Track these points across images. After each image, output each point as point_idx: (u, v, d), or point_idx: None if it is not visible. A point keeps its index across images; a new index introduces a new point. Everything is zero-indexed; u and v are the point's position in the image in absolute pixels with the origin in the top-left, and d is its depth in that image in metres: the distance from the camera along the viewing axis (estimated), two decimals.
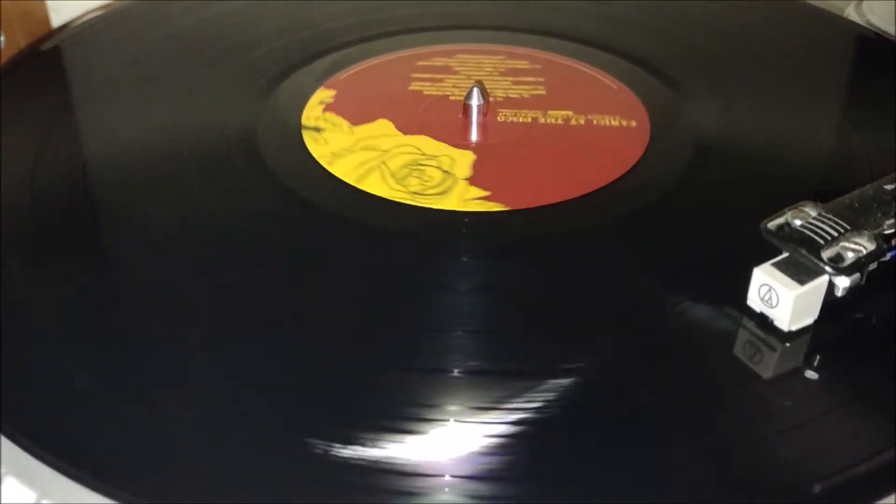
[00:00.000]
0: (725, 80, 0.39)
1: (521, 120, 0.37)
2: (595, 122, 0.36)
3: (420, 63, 0.41)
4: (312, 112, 0.37)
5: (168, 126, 0.36)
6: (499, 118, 0.37)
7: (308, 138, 0.35)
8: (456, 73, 0.40)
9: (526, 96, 0.38)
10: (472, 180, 0.33)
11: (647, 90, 0.38)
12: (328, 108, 0.37)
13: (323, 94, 0.38)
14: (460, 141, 0.35)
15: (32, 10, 0.45)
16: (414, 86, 0.39)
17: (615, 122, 0.36)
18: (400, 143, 0.35)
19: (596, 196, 0.32)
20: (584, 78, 0.40)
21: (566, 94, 0.38)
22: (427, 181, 0.32)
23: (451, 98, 0.38)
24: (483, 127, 0.36)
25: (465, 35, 0.43)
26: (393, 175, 0.32)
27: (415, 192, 0.32)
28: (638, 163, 0.34)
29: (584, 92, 0.39)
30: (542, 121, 0.37)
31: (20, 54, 0.42)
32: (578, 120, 0.37)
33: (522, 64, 0.41)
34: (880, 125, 0.36)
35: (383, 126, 0.36)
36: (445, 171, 0.33)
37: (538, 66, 0.41)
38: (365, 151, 0.34)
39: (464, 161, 0.34)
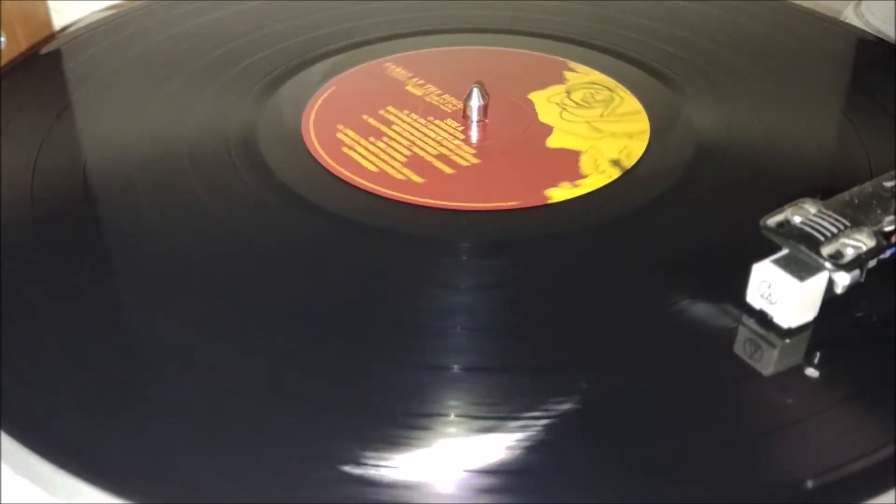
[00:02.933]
0: (725, 81, 0.39)
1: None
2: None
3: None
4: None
5: (169, 128, 0.36)
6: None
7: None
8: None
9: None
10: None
11: (647, 91, 0.38)
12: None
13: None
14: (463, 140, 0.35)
15: (34, 12, 0.45)
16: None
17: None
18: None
19: (596, 195, 0.32)
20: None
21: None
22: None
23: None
24: (483, 127, 0.36)
25: (466, 38, 0.43)
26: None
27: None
28: (638, 162, 0.34)
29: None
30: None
31: (21, 55, 0.42)
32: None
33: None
34: (879, 125, 0.36)
35: None
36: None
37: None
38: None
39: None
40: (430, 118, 0.37)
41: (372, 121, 0.36)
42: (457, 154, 0.34)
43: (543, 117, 0.37)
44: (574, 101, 0.37)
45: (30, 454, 0.22)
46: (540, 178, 0.33)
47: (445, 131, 0.36)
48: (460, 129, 0.36)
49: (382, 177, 0.33)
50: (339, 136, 0.35)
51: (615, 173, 0.33)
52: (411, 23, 0.44)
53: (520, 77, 0.40)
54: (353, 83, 0.39)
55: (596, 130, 0.35)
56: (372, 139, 0.35)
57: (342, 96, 0.38)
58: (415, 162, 0.34)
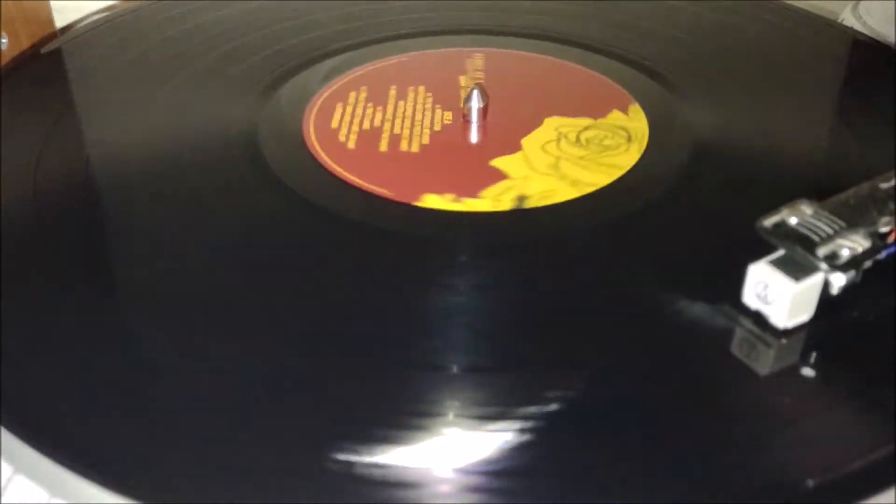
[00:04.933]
0: (722, 83, 0.39)
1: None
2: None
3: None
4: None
5: (170, 127, 0.36)
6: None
7: None
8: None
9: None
10: None
11: (646, 92, 0.39)
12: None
13: None
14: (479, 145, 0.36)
15: (36, 12, 0.45)
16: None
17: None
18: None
19: (594, 196, 0.32)
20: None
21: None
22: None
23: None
24: (482, 127, 0.36)
25: (470, 39, 0.43)
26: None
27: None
28: (636, 164, 0.34)
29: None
30: None
31: (22, 54, 0.42)
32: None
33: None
34: (876, 126, 0.36)
35: None
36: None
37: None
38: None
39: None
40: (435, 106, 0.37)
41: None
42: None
43: (527, 143, 0.35)
44: (580, 139, 0.35)
45: (31, 452, 0.23)
46: (437, 183, 0.33)
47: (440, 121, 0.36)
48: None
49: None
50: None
51: (505, 206, 0.32)
52: (416, 23, 0.45)
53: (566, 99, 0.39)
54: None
55: (554, 170, 0.33)
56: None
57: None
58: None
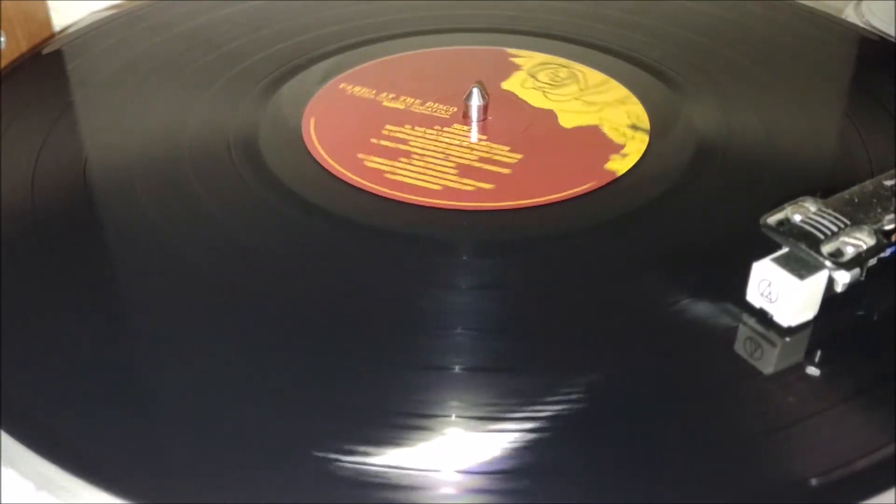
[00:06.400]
0: (725, 80, 0.39)
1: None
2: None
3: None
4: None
5: (169, 128, 0.36)
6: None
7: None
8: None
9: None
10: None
11: (647, 90, 0.38)
12: None
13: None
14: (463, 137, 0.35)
15: (34, 12, 0.45)
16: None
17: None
18: None
19: (597, 195, 0.32)
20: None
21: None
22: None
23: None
24: (490, 124, 0.36)
25: (463, 37, 0.43)
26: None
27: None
28: (638, 162, 0.34)
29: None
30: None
31: (21, 56, 0.42)
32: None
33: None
34: (879, 123, 0.36)
35: None
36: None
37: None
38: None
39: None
40: (437, 127, 0.36)
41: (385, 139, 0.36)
42: (497, 154, 0.34)
43: (536, 103, 0.37)
44: (545, 82, 0.38)
45: (30, 454, 0.22)
46: (588, 158, 0.34)
47: (458, 135, 0.36)
48: (466, 129, 0.36)
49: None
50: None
51: (642, 137, 0.34)
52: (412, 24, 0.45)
53: (478, 71, 0.39)
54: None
55: (589, 104, 0.36)
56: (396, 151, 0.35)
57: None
58: (465, 170, 0.33)
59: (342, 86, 0.39)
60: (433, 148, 0.35)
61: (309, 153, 0.34)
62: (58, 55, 0.41)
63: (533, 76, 0.38)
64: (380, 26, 0.44)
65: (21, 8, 0.44)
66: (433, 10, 0.46)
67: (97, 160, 0.34)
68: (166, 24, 0.44)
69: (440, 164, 0.34)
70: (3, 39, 0.42)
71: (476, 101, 0.36)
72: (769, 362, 0.25)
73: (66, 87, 0.39)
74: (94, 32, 0.43)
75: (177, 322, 0.27)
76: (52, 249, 0.30)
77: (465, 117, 0.36)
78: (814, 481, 0.22)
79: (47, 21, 0.46)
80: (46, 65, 0.41)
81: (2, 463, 0.23)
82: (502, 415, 0.23)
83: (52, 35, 0.45)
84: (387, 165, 0.33)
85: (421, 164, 0.34)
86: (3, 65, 0.41)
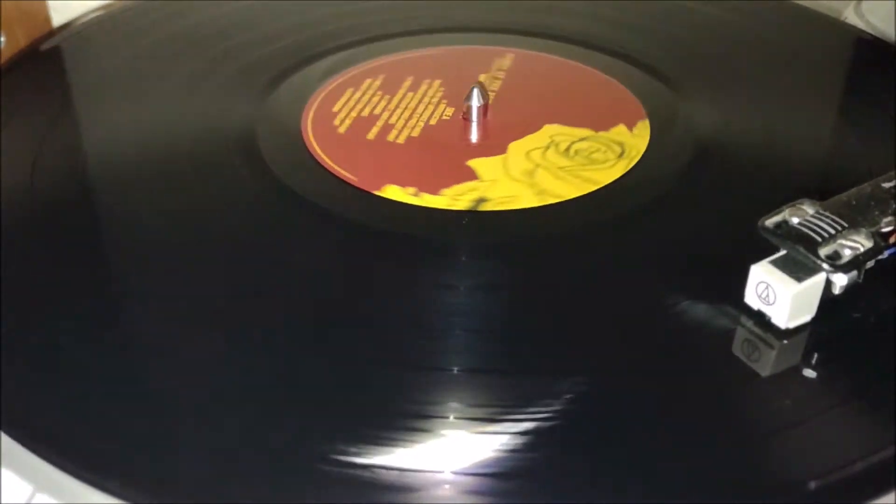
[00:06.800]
0: (724, 81, 0.39)
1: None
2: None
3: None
4: None
5: (168, 126, 0.36)
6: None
7: None
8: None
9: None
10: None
11: (647, 91, 0.38)
12: None
13: None
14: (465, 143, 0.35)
15: (33, 11, 0.45)
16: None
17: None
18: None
19: (595, 196, 0.32)
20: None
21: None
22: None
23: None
24: (480, 126, 0.36)
25: (463, 37, 0.43)
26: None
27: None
28: (637, 163, 0.34)
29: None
30: None
31: (21, 52, 0.42)
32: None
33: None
34: (878, 125, 0.36)
35: None
36: None
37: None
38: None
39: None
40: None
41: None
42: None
43: (514, 147, 0.35)
44: (571, 149, 0.34)
45: (30, 455, 0.22)
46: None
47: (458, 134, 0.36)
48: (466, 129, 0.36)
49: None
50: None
51: (460, 206, 0.31)
52: (413, 22, 0.45)
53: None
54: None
55: (528, 177, 0.33)
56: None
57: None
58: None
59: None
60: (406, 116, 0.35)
61: (308, 152, 0.34)
62: (57, 52, 0.41)
63: (581, 139, 0.35)
64: (381, 25, 0.44)
65: (21, 8, 0.44)
66: (433, 9, 0.46)
67: (97, 158, 0.34)
68: (165, 22, 0.44)
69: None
70: (2, 39, 0.42)
71: (476, 101, 0.36)
72: (767, 364, 0.25)
73: (66, 84, 0.39)
74: (94, 29, 0.43)
75: (177, 322, 0.27)
76: (51, 247, 0.30)
77: (465, 117, 0.36)
78: (812, 484, 0.22)
79: (47, 21, 0.46)
80: (45, 61, 0.41)
81: (1, 463, 0.23)
82: (501, 416, 0.23)
83: (52, 33, 0.45)
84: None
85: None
86: (2, 63, 0.41)
